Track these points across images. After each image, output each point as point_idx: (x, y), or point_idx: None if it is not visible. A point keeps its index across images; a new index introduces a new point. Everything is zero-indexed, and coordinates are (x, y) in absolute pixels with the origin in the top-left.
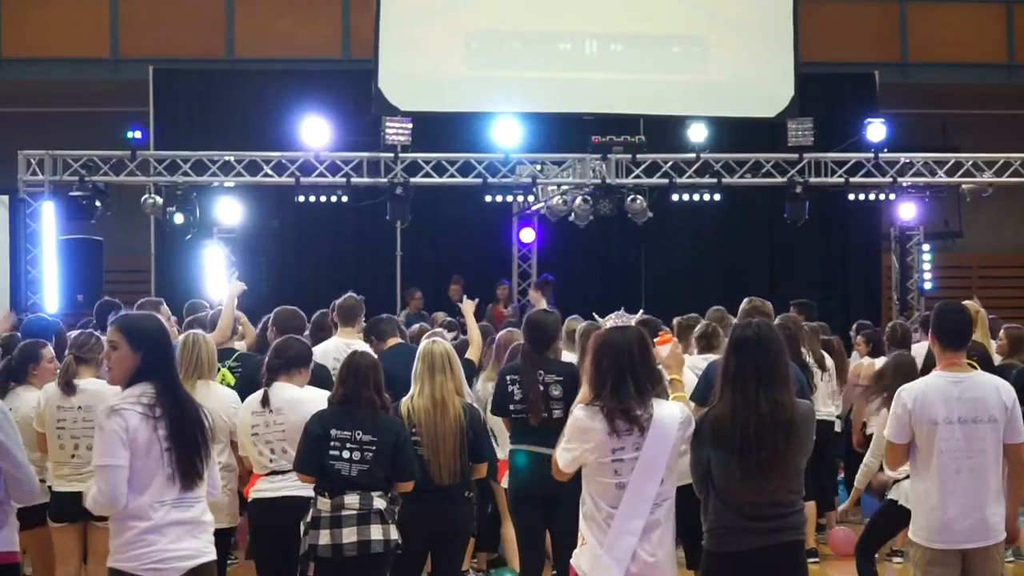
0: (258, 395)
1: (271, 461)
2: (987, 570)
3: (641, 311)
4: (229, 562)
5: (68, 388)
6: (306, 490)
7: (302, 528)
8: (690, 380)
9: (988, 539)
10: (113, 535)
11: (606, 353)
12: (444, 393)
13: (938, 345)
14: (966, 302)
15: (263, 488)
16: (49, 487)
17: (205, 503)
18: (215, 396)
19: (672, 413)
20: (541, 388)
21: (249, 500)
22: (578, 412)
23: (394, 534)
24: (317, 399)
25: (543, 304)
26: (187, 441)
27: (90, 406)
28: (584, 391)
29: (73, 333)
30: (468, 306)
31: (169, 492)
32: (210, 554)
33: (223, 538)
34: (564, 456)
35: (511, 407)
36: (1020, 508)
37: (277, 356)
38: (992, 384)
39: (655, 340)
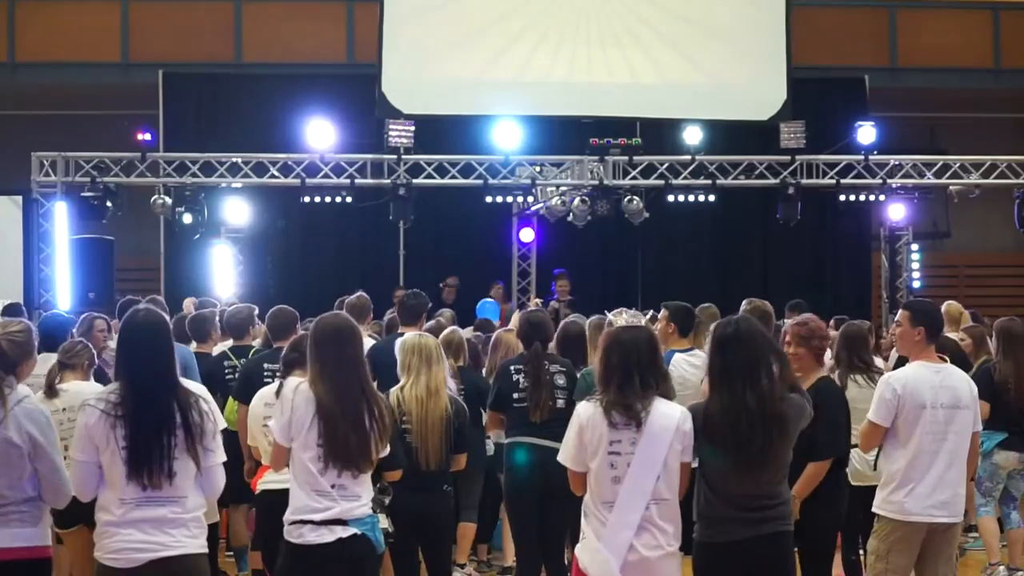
0: (273, 386)
1: None
2: (944, 547)
3: (651, 311)
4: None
5: (50, 391)
6: None
7: None
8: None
9: (954, 516)
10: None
11: (615, 351)
12: (437, 383)
13: (923, 338)
14: (947, 303)
15: (271, 480)
16: None
17: (187, 503)
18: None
19: (671, 412)
20: (548, 377)
21: (257, 492)
22: (579, 407)
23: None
24: None
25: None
26: (147, 442)
27: (72, 406)
28: None
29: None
30: None
31: (130, 491)
32: (181, 548)
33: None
34: (568, 453)
35: (514, 396)
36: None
37: (294, 350)
38: (962, 376)
39: None
